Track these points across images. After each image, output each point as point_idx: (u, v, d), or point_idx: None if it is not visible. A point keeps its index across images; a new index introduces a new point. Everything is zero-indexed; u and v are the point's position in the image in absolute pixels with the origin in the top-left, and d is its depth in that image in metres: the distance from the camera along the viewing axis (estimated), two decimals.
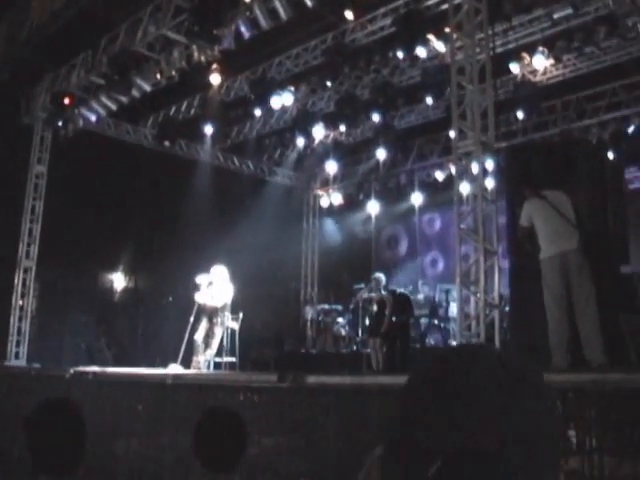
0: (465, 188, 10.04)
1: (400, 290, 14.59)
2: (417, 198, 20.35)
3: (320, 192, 22.64)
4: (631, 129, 16.13)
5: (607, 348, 7.45)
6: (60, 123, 16.60)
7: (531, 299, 8.39)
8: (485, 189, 9.09)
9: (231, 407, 4.59)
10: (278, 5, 12.10)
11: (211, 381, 10.35)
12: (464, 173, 9.46)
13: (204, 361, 12.88)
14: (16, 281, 16.82)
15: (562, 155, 9.19)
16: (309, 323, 19.38)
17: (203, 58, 13.85)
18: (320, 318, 18.49)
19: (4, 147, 16.53)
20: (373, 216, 21.37)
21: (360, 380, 8.56)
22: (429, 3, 13.46)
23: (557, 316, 7.72)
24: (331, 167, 20.95)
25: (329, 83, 16.13)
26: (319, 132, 18.29)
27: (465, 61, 9.63)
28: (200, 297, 13.14)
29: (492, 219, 9.02)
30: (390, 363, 13.49)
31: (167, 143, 18.46)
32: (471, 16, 9.65)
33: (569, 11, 13.18)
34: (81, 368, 13.19)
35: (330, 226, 22.56)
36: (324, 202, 22.39)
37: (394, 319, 13.92)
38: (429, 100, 16.12)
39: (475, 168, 9.21)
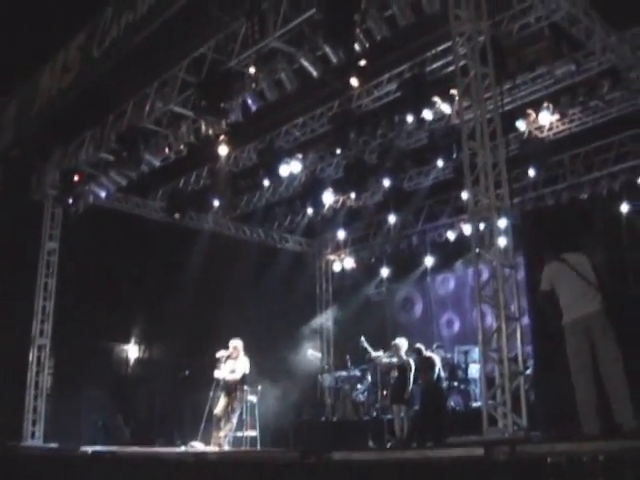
0: (480, 251, 9.92)
1: (427, 353, 14.31)
2: (429, 259, 20.29)
3: (332, 257, 22.59)
4: None
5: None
6: (70, 200, 16.63)
7: (555, 361, 8.23)
8: (502, 252, 8.99)
9: None
10: (284, 76, 12.19)
11: (232, 459, 10.18)
12: (480, 238, 9.38)
13: (224, 436, 12.70)
14: (31, 359, 16.71)
15: (576, 215, 9.13)
16: (327, 391, 19.15)
17: (211, 132, 13.96)
18: (338, 385, 18.26)
19: (15, 224, 16.52)
20: (386, 279, 21.28)
21: (387, 455, 8.36)
22: (433, 67, 13.55)
23: (584, 382, 7.54)
24: (342, 232, 20.97)
25: (338, 150, 16.17)
26: (329, 198, 18.28)
27: (475, 122, 9.61)
28: (219, 373, 13.02)
29: (511, 283, 8.91)
30: (415, 428, 13.27)
31: (177, 215, 18.38)
32: (479, 80, 9.67)
33: (572, 67, 13.19)
34: (99, 448, 13.05)
35: (343, 290, 22.42)
36: (336, 267, 22.32)
37: (418, 383, 13.78)
38: (438, 162, 16.14)
39: (491, 232, 9.15)
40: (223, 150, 16.09)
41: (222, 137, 15.57)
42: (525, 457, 6.43)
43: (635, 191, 15.88)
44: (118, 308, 18.59)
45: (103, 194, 16.59)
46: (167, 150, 14.88)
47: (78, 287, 17.68)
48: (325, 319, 22.41)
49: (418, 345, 14.40)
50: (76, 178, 16.21)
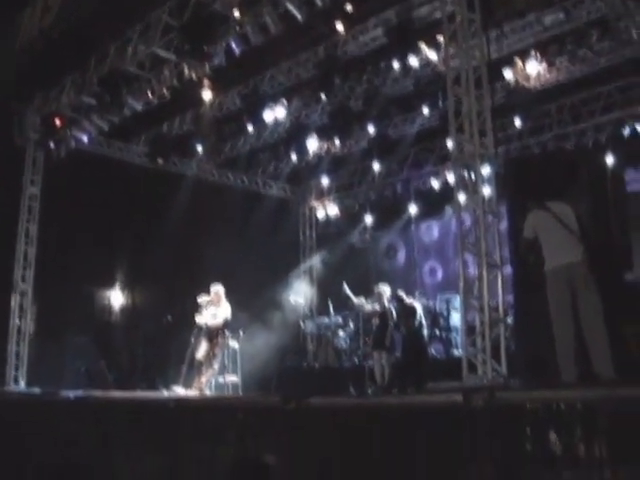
0: (464, 198, 9.88)
1: (408, 300, 14.36)
2: (413, 207, 20.26)
3: (316, 204, 22.53)
4: (627, 131, 16.00)
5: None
6: (52, 144, 16.43)
7: (536, 310, 8.25)
8: (485, 200, 8.96)
9: None
10: (268, 20, 12.02)
11: (213, 404, 10.22)
12: (463, 185, 9.34)
13: (206, 381, 12.76)
14: (13, 304, 16.63)
15: (561, 164, 9.09)
16: (309, 337, 19.23)
17: (194, 75, 13.77)
18: (321, 332, 18.32)
19: None
20: (369, 226, 21.26)
21: (367, 401, 8.41)
22: (419, 13, 13.36)
23: (564, 329, 7.59)
24: (326, 179, 20.90)
25: (323, 96, 15.99)
26: (313, 144, 18.14)
27: (460, 69, 9.53)
28: (201, 318, 13.03)
29: (494, 231, 8.90)
30: (396, 375, 13.37)
31: (160, 161, 18.22)
32: (465, 26, 9.56)
33: (561, 16, 13.08)
34: (81, 393, 13.06)
35: (327, 237, 22.39)
36: (320, 214, 22.28)
37: (399, 330, 13.85)
38: (424, 109, 16.03)
39: (474, 179, 9.11)
40: (207, 95, 15.87)
41: (205, 81, 15.36)
42: (503, 404, 6.46)
43: (621, 143, 15.83)
44: (101, 254, 18.47)
45: (85, 138, 16.41)
46: (150, 94, 14.69)
47: (60, 233, 17.51)
48: (315, 262, 22.45)
49: (399, 292, 14.45)
50: (57, 122, 15.95)
